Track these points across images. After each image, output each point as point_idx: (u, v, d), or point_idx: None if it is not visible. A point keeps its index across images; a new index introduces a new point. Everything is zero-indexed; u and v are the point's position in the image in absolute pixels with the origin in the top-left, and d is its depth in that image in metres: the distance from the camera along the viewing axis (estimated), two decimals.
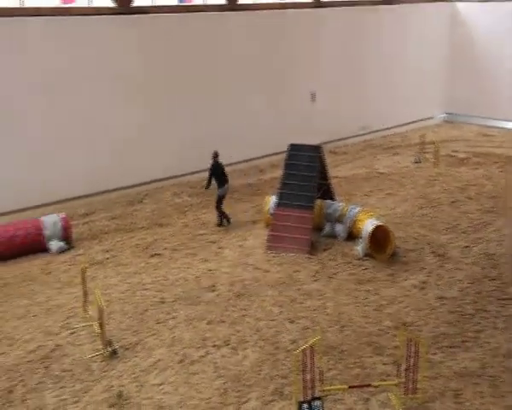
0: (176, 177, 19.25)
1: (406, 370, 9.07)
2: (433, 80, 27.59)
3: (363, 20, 24.49)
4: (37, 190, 16.40)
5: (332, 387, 9.38)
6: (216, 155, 15.99)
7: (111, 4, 17.86)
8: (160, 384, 9.78)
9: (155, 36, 18.67)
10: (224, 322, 11.52)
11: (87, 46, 17.22)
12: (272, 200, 15.67)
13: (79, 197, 17.32)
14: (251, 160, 21.22)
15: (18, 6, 16.35)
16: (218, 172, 15.95)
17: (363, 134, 25.04)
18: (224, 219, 16.23)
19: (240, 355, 10.50)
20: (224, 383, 9.77)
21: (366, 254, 14.09)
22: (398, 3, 26.00)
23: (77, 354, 10.54)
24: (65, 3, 16.91)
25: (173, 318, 11.69)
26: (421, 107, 27.25)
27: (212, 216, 16.72)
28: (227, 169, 19.80)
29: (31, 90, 16.27)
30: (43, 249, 14.63)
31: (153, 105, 18.80)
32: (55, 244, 14.60)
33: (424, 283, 12.96)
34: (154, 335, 11.13)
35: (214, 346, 10.76)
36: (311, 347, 8.97)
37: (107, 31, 17.65)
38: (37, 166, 16.53)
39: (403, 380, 9.12)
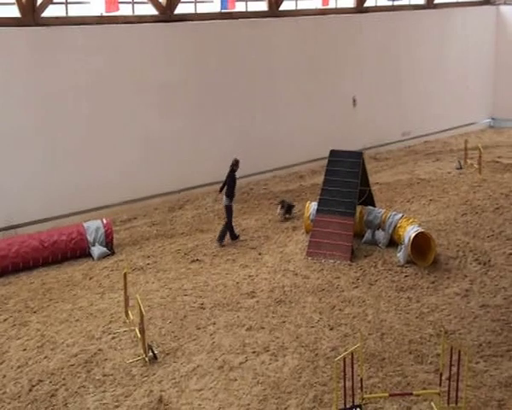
0: (216, 183, 19.14)
1: (449, 378, 8.92)
2: (477, 85, 27.12)
3: (406, 24, 24.26)
4: (79, 195, 16.67)
5: (372, 395, 9.29)
6: (233, 164, 15.50)
7: (154, 12, 18.08)
8: (200, 390, 9.81)
9: (198, 43, 18.83)
10: (263, 328, 11.50)
11: (130, 54, 17.47)
12: (313, 206, 15.61)
13: (121, 203, 17.53)
14: (291, 166, 21.17)
15: (64, 15, 16.68)
16: (228, 182, 15.44)
17: (405, 140, 24.75)
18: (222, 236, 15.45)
19: (279, 362, 10.46)
20: (263, 390, 9.74)
21: (407, 262, 13.91)
22: (441, 8, 25.70)
23: (118, 359, 10.66)
24: (109, 12, 17.17)
25: (213, 324, 11.73)
26: (464, 112, 26.78)
27: (254, 222, 16.75)
28: (268, 175, 20.08)
29: (74, 97, 16.57)
30: (86, 254, 14.86)
31: (194, 111, 18.95)
32: (97, 249, 14.81)
33: (467, 290, 12.72)
34: (194, 340, 11.18)
35: (254, 352, 10.75)
36: (352, 354, 8.91)
37: (150, 38, 17.87)
38: (80, 171, 16.79)
39: (445, 389, 8.98)
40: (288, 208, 17.03)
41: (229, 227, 15.61)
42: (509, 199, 17.81)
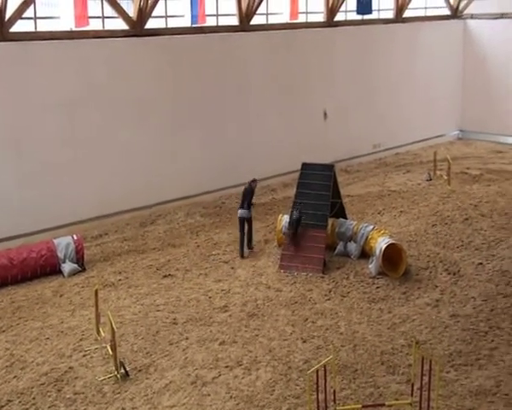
0: (188, 197, 19.29)
1: (420, 389, 8.99)
2: (446, 98, 27.52)
3: (375, 38, 24.55)
4: (49, 212, 16.49)
5: (345, 407, 9.32)
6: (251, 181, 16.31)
7: (125, 27, 18.05)
8: (173, 406, 9.74)
9: (169, 57, 18.82)
10: (236, 342, 11.48)
11: (101, 68, 17.38)
12: (285, 219, 15.65)
13: (92, 219, 17.37)
14: (263, 179, 21.12)
15: (33, 30, 16.56)
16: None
17: (376, 152, 24.98)
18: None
19: (252, 376, 10.45)
20: (236, 405, 9.71)
21: (379, 273, 14.01)
22: (410, 22, 26.08)
23: (89, 377, 10.53)
24: (79, 27, 17.08)
25: (186, 339, 11.67)
26: (433, 124, 27.16)
27: (226, 236, 16.73)
28: (240, 189, 20.09)
29: (44, 113, 16.42)
30: (57, 271, 14.67)
31: (165, 126, 18.91)
32: (67, 266, 14.64)
33: (437, 300, 12.87)
34: (166, 356, 11.10)
35: (227, 367, 10.72)
36: (324, 366, 8.92)
37: (120, 53, 17.81)
38: (50, 188, 16.62)
39: (417, 399, 9.03)
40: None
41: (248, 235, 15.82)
42: (478, 210, 18.08)
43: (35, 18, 16.60)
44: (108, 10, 17.93)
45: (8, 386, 10.32)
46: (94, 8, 17.56)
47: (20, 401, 9.92)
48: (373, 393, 9.84)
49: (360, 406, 9.30)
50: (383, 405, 9.28)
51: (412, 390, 9.18)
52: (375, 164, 24.21)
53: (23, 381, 10.45)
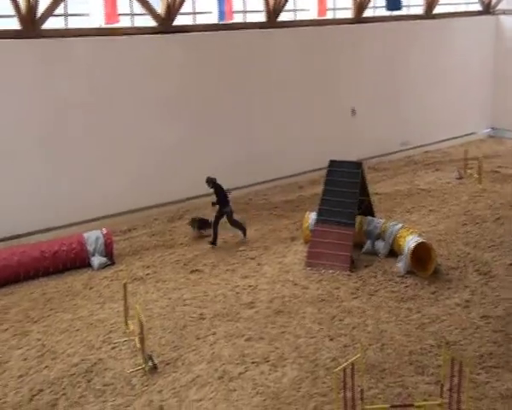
0: None
1: (450, 390, 8.90)
2: (477, 95, 27.15)
3: (405, 34, 24.31)
4: (79, 206, 16.68)
5: (373, 406, 9.26)
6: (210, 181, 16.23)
7: (153, 24, 18.15)
8: (200, 400, 9.80)
9: (197, 54, 18.85)
10: (263, 339, 11.48)
11: (130, 65, 17.49)
12: (312, 216, 15.61)
13: (121, 214, 17.51)
14: (291, 176, 21.17)
15: (63, 27, 16.73)
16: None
17: (404, 150, 24.77)
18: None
19: (279, 372, 10.45)
20: (263, 401, 9.72)
21: (408, 272, 13.90)
22: (440, 18, 25.80)
23: (118, 369, 10.65)
24: (109, 24, 17.20)
25: (213, 334, 11.72)
26: (464, 122, 26.80)
27: (253, 233, 16.73)
28: (267, 185, 20.37)
29: (74, 108, 16.59)
30: (86, 265, 14.83)
31: (194, 122, 18.97)
32: (97, 260, 14.79)
33: (468, 301, 12.71)
34: (193, 351, 11.16)
35: (253, 363, 10.73)
36: (352, 365, 8.88)
37: (149, 49, 17.91)
38: (80, 182, 16.82)
39: (446, 400, 8.96)
40: (200, 224, 16.69)
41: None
42: (510, 209, 17.82)
43: (65, 15, 16.75)
44: (137, 7, 18.04)
45: (40, 376, 10.49)
46: (123, 5, 17.67)
47: (51, 391, 10.08)
48: (401, 393, 9.78)
49: (388, 406, 9.24)
50: (412, 405, 9.20)
51: (441, 391, 9.10)
52: (403, 162, 23.98)
53: (54, 371, 10.61)
